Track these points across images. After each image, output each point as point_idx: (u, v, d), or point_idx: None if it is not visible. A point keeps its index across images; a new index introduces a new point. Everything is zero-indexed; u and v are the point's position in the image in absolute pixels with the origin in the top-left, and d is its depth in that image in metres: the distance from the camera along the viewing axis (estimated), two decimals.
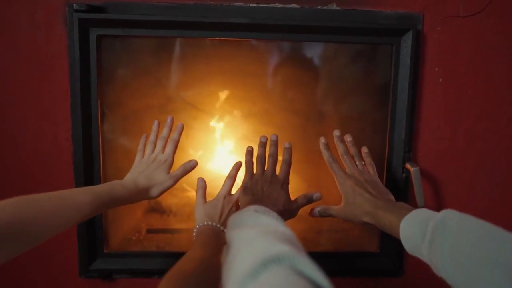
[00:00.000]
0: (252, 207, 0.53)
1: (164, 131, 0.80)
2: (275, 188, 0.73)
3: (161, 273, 0.90)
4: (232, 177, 0.80)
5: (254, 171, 0.78)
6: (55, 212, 0.54)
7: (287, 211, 0.72)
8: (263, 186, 0.74)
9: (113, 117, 0.89)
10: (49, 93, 0.83)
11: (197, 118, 0.94)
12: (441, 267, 0.50)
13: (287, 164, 0.78)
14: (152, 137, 0.80)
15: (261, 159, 0.78)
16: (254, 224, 0.47)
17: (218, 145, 0.98)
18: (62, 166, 0.85)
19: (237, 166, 0.82)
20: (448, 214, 0.52)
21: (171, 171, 0.76)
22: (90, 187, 0.65)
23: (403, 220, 0.60)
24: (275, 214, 0.52)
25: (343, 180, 0.75)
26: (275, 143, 0.80)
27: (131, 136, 0.92)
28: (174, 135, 0.79)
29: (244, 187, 0.75)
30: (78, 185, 0.83)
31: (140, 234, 1.00)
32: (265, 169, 0.78)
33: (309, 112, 0.98)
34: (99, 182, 0.84)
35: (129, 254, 0.89)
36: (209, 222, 0.71)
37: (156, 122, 0.81)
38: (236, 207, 0.77)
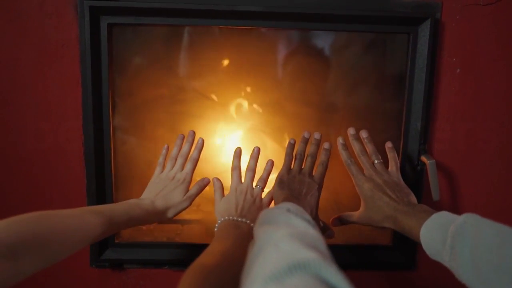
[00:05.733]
0: (285, 205, 0.52)
1: (185, 148, 0.79)
2: (310, 189, 0.72)
3: (171, 263, 0.91)
4: (236, 167, 0.80)
5: (292, 166, 0.76)
6: (75, 229, 0.54)
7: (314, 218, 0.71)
8: (300, 184, 0.72)
9: (124, 106, 0.88)
10: (60, 82, 0.82)
11: (208, 108, 0.93)
12: (461, 273, 0.49)
13: (324, 166, 0.76)
14: (174, 152, 0.80)
15: (301, 155, 0.77)
16: (284, 224, 0.46)
17: (230, 135, 0.96)
18: (72, 157, 0.84)
19: (237, 154, 0.81)
20: (468, 219, 0.51)
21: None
22: (107, 206, 0.65)
23: (423, 225, 0.58)
24: (308, 216, 0.50)
25: (361, 183, 0.73)
26: (317, 143, 0.78)
27: (142, 126, 0.91)
28: (194, 153, 0.79)
29: (281, 180, 0.73)
30: (88, 174, 0.83)
31: (151, 224, 0.99)
32: (302, 167, 0.76)
33: (322, 103, 0.96)
34: (109, 172, 0.84)
35: (139, 244, 0.89)
36: (227, 217, 0.70)
37: (180, 136, 0.81)
38: (250, 194, 0.76)
